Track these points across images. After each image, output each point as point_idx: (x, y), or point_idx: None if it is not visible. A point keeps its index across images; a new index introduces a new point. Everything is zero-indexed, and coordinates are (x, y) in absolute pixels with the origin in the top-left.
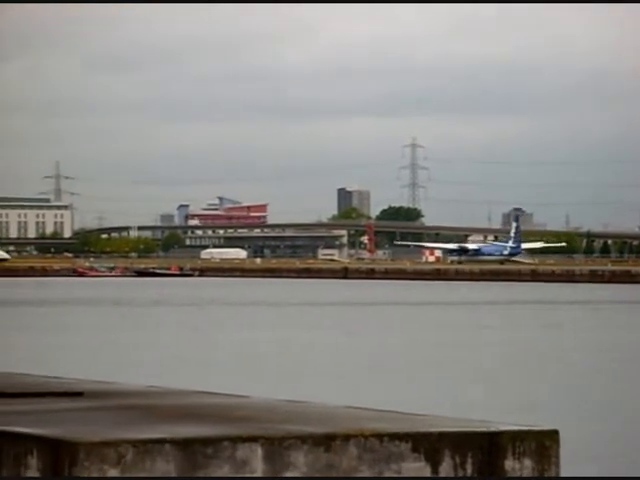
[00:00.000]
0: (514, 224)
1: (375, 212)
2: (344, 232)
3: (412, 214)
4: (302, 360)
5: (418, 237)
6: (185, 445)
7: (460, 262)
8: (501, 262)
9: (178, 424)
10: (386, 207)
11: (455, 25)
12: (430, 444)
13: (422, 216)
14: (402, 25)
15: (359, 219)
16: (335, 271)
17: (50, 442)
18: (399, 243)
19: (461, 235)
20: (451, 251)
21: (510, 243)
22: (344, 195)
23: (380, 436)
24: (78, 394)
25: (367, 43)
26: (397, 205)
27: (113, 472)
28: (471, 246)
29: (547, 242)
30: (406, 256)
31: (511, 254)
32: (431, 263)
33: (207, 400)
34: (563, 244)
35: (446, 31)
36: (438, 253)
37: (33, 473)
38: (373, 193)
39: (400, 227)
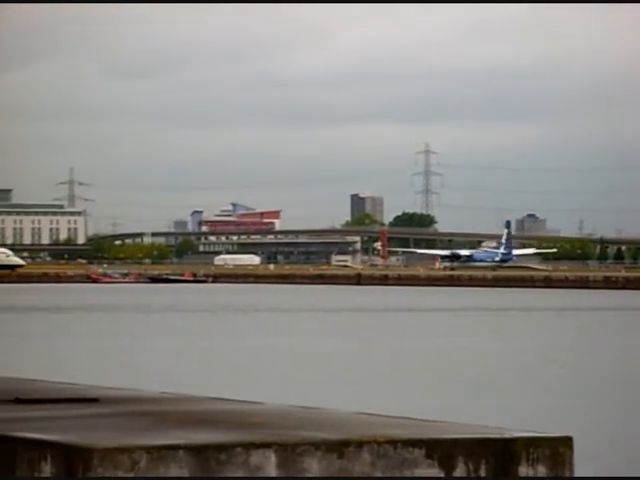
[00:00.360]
0: (505, 230)
1: (388, 218)
2: (357, 238)
3: (425, 220)
4: (315, 366)
5: (431, 243)
6: (199, 451)
7: (452, 268)
8: (493, 268)
9: (192, 430)
10: (399, 213)
11: (469, 30)
12: (444, 450)
13: (435, 222)
14: (416, 30)
15: (372, 225)
16: (348, 277)
17: (64, 448)
18: (392, 250)
19: (474, 241)
20: (443, 257)
21: (501, 249)
22: (357, 201)
23: (394, 442)
24: (93, 400)
25: (381, 48)
26: (410, 211)
27: (127, 478)
28: (463, 252)
29: (550, 248)
30: (419, 262)
31: (502, 260)
32: (444, 269)
33: (220, 406)
34: (554, 250)
35: (460, 36)
36: None
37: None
38: (386, 199)
39: (413, 233)
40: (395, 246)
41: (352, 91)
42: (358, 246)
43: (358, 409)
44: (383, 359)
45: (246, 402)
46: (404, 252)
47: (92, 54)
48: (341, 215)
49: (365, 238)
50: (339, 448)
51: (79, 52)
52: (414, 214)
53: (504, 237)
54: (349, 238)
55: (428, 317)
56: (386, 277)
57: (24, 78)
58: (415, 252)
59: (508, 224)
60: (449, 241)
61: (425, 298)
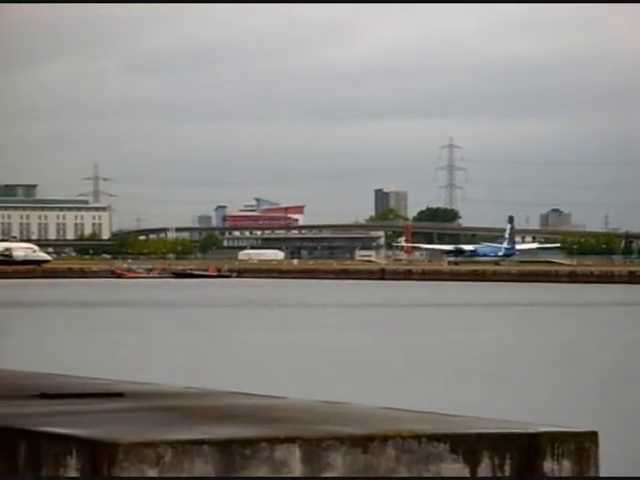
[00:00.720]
0: (509, 225)
1: (412, 213)
2: (381, 233)
3: (449, 215)
4: (339, 361)
5: (455, 238)
6: (223, 446)
7: (456, 263)
8: (496, 262)
9: (216, 425)
10: (423, 208)
11: (492, 24)
12: (468, 445)
13: (459, 217)
14: (440, 25)
15: (396, 220)
16: (372, 272)
17: (89, 443)
18: (396, 244)
19: (498, 236)
20: (448, 252)
21: (505, 244)
22: (381, 196)
23: (418, 437)
24: (118, 395)
25: (405, 44)
26: (434, 206)
27: (152, 473)
28: (467, 247)
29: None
30: (443, 257)
31: (505, 255)
32: (468, 264)
33: (245, 401)
34: (558, 244)
35: (484, 30)
36: None
37: (72, 473)
38: (410, 194)
39: (437, 228)
40: (419, 241)
41: (377, 86)
42: (382, 241)
43: (382, 404)
44: (406, 354)
45: (270, 397)
46: (420, 247)
47: (115, 52)
48: (365, 210)
49: (389, 233)
50: (364, 443)
51: (102, 50)
52: (438, 209)
53: (507, 232)
54: (373, 233)
55: (452, 312)
56: (410, 272)
57: (49, 76)
58: (419, 247)
59: (511, 219)
60: (473, 236)
61: (449, 293)
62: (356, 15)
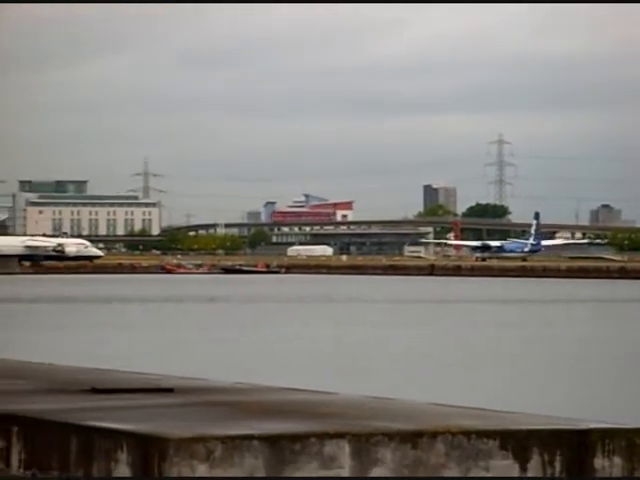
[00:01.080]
0: (534, 222)
1: (461, 209)
2: (430, 229)
3: (499, 211)
4: (388, 357)
5: (505, 234)
6: (273, 441)
7: (484, 259)
8: (523, 259)
9: (266, 420)
10: (473, 204)
11: (544, 19)
12: (518, 442)
13: (509, 213)
14: (490, 20)
15: (445, 216)
16: (421, 268)
17: (140, 437)
18: (425, 241)
19: (548, 232)
20: (475, 248)
21: (531, 240)
22: (430, 192)
23: (468, 433)
24: (168, 390)
25: (455, 38)
26: (484, 202)
27: (202, 468)
28: (493, 243)
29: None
30: (536, 253)
31: (532, 251)
32: (517, 260)
33: (294, 397)
34: (586, 241)
35: (535, 25)
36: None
37: (123, 468)
38: (459, 190)
39: (487, 224)
40: (468, 237)
41: (426, 81)
42: (431, 237)
43: (431, 400)
44: (455, 350)
45: (319, 392)
46: (447, 244)
47: (167, 46)
48: (414, 206)
49: (438, 229)
50: (413, 439)
51: (154, 44)
52: (487, 205)
53: (533, 228)
54: (422, 229)
55: (501, 308)
56: (459, 268)
57: (99, 71)
58: (446, 243)
59: (537, 215)
60: (522, 232)
61: (498, 289)
62: (404, 9)
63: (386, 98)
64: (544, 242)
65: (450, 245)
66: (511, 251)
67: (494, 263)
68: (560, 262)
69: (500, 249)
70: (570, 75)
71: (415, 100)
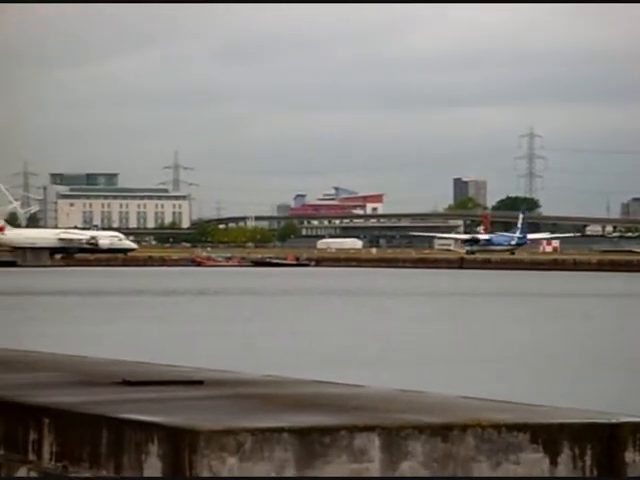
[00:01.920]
0: (520, 215)
1: (491, 202)
2: (460, 222)
3: (529, 204)
4: (418, 350)
5: (535, 227)
6: (303, 434)
7: (473, 252)
8: (511, 252)
9: (296, 413)
10: (503, 197)
11: (575, 11)
12: (549, 435)
13: (539, 206)
14: (520, 13)
15: (475, 209)
16: (451, 261)
17: (171, 430)
18: (412, 235)
19: (579, 225)
20: (464, 241)
21: (517, 233)
22: (460, 185)
23: (498, 427)
24: (198, 383)
25: (486, 32)
26: (514, 195)
27: (232, 460)
28: (482, 236)
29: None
30: (522, 246)
31: (518, 244)
32: (548, 253)
33: (324, 389)
34: (572, 234)
35: (563, 17)
36: (555, 243)
37: (153, 460)
38: (490, 183)
39: (516, 217)
40: (498, 230)
41: (456, 74)
42: (461, 230)
43: (461, 393)
44: (486, 343)
45: (349, 385)
46: (427, 237)
47: (199, 41)
48: (444, 199)
49: (468, 222)
50: (443, 432)
51: (186, 39)
52: (517, 198)
53: (519, 222)
54: (452, 222)
55: (531, 301)
56: (489, 261)
57: (132, 65)
58: (435, 236)
59: (523, 210)
60: (553, 225)
61: (528, 282)
62: (438, 3)
63: (417, 91)
64: (530, 235)
65: (439, 238)
66: (499, 244)
67: (524, 256)
68: (591, 256)
69: (488, 242)
70: (602, 68)
71: (446, 93)
